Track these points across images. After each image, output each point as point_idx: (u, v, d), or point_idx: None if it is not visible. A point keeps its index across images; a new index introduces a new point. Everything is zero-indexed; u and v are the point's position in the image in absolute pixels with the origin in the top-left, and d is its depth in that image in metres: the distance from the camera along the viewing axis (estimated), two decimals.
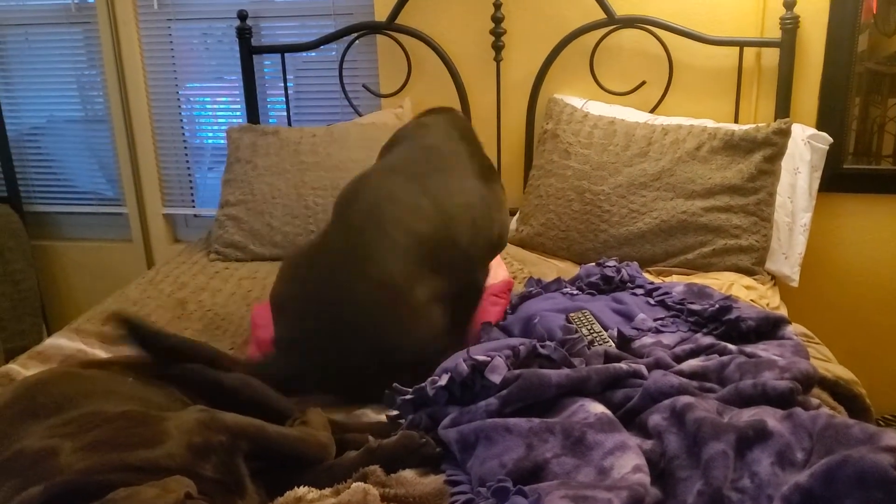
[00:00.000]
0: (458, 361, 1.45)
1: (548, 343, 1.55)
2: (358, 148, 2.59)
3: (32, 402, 1.31)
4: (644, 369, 1.50)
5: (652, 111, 2.65)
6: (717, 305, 1.79)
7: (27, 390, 1.35)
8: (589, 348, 1.65)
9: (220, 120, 3.24)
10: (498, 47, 2.70)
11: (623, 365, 1.49)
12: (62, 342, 1.86)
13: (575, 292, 2.07)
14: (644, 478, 1.15)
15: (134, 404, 1.35)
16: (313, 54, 2.97)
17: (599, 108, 2.61)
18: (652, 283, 2.04)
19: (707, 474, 1.14)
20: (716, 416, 1.27)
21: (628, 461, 1.20)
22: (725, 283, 2.14)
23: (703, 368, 1.52)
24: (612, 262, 2.16)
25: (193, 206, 3.28)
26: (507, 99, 2.78)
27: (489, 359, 1.45)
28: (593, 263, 2.18)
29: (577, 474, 1.22)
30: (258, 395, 1.54)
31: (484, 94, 2.79)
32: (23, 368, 1.75)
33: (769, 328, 1.75)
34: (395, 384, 1.51)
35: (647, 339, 1.76)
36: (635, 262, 2.16)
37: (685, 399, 1.32)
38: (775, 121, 2.38)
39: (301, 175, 2.55)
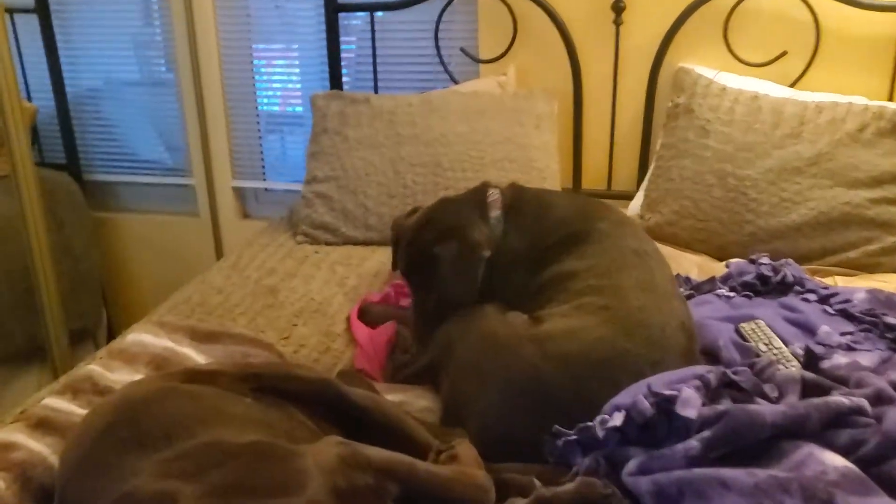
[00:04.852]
0: (636, 398, 1.18)
1: (739, 369, 1.28)
2: (460, 120, 2.30)
3: (136, 429, 1.07)
4: (866, 404, 1.22)
5: (792, 85, 2.34)
6: None
7: (128, 412, 1.11)
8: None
9: (279, 84, 2.96)
10: (619, 9, 2.39)
11: (843, 398, 1.21)
12: (146, 338, 1.61)
13: (730, 294, 1.79)
14: None
15: (257, 432, 1.11)
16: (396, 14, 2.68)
17: (732, 81, 2.30)
18: (825, 286, 1.75)
19: None
20: None
21: None
22: None
23: None
24: (765, 259, 1.87)
25: (264, 179, 3.03)
26: (626, 68, 2.47)
27: (675, 392, 1.18)
28: (744, 260, 1.90)
29: None
30: (392, 418, 1.30)
31: (599, 62, 2.48)
32: (105, 370, 1.50)
33: None
34: (555, 426, 1.25)
35: (840, 359, 1.46)
36: (790, 261, 1.87)
37: None
38: None
39: (397, 149, 2.28)
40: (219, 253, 3.05)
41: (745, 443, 1.13)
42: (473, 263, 1.56)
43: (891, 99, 2.29)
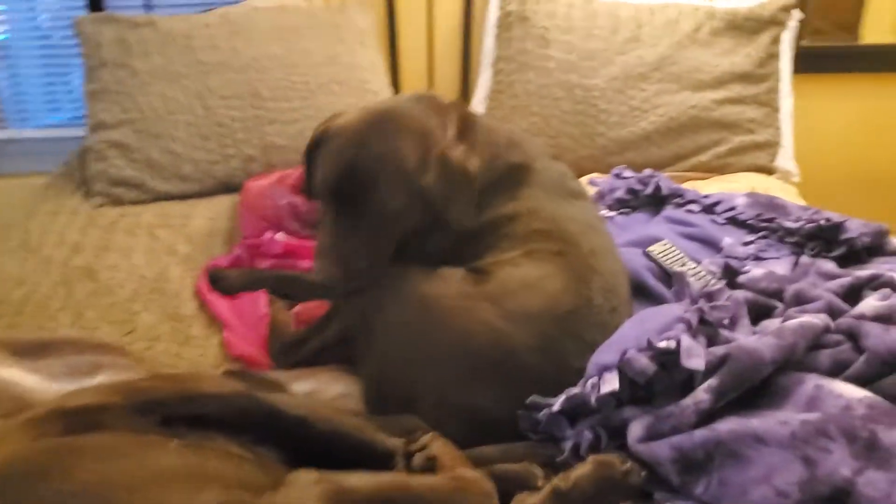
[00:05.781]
0: (629, 354, 1.05)
1: (718, 304, 1.18)
2: (272, 40, 1.96)
3: None
4: (830, 320, 1.18)
5: None
6: (820, 221, 1.50)
7: (18, 497, 0.78)
8: None
9: None
10: None
11: (812, 318, 1.16)
12: None
13: (610, 214, 1.71)
14: None
15: (207, 488, 0.83)
16: None
17: None
18: (705, 195, 1.71)
19: None
20: None
21: None
22: (751, 187, 1.86)
23: (890, 309, 1.23)
24: (629, 172, 1.82)
25: (5, 128, 2.45)
26: None
27: (671, 344, 1.06)
28: (607, 176, 1.82)
29: None
30: (336, 424, 1.06)
31: None
32: None
33: (879, 242, 1.50)
34: (532, 396, 1.10)
35: (756, 271, 1.43)
36: (655, 171, 1.82)
37: None
38: None
39: (203, 80, 1.90)
40: None
41: (749, 385, 1.05)
42: (468, 184, 1.20)
43: None
